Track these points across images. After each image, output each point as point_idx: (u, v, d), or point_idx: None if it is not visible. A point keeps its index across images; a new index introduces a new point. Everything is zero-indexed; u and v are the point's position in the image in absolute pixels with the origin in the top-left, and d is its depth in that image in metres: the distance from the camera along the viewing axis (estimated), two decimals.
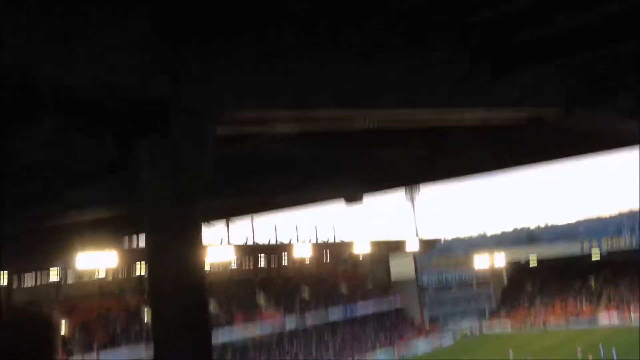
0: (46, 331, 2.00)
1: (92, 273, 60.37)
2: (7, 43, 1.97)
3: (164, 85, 2.45)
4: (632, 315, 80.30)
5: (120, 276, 66.58)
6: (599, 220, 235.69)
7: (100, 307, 61.94)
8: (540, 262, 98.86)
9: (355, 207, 8.56)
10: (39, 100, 2.52)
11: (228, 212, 11.24)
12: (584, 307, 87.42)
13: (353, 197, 8.29)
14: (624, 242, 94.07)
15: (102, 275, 63.93)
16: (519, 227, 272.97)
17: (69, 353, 53.23)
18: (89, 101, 2.52)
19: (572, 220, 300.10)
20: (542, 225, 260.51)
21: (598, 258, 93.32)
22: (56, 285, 60.66)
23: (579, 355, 59.81)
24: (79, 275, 60.07)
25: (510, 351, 60.57)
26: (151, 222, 2.59)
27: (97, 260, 50.78)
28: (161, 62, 2.46)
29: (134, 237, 10.98)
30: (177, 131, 2.49)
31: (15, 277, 54.74)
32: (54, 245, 9.54)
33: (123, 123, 2.63)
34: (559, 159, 8.38)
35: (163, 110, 2.49)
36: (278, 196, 8.17)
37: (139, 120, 2.59)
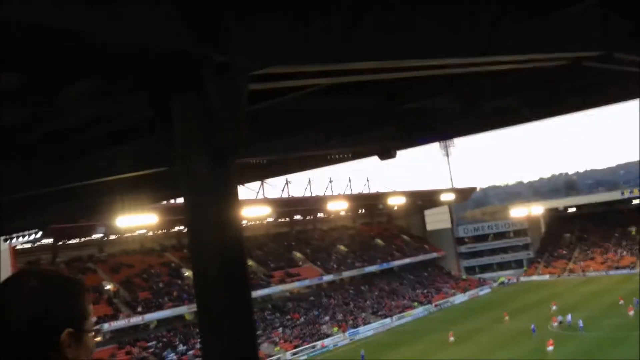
0: (72, 293, 1.90)
1: (133, 230, 61.98)
2: (35, 1, 1.97)
3: (197, 41, 2.44)
4: None
5: (160, 233, 68.35)
6: None
7: (143, 264, 63.91)
8: (578, 209, 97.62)
9: (389, 162, 8.51)
10: (72, 61, 2.54)
11: (263, 173, 11.30)
12: (624, 255, 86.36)
13: (387, 152, 8.23)
14: None
15: (143, 232, 65.73)
16: (557, 173, 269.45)
17: (116, 310, 55.34)
18: (122, 59, 2.53)
19: (612, 164, 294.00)
20: (581, 170, 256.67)
21: (638, 203, 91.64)
22: (99, 242, 62.70)
23: (621, 302, 59.53)
24: (122, 232, 61.75)
25: (553, 304, 60.39)
26: (187, 180, 2.62)
27: (137, 218, 52.01)
28: (194, 17, 2.45)
29: (173, 194, 11.15)
30: (211, 87, 2.49)
31: (58, 235, 56.51)
32: (95, 203, 9.77)
33: (157, 81, 2.64)
34: (599, 105, 8.15)
35: (197, 66, 2.48)
36: (311, 152, 8.16)
37: (173, 77, 2.60)
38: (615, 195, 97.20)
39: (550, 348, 44.68)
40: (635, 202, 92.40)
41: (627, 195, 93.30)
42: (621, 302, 58.89)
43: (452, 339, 53.88)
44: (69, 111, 4.30)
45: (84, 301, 1.91)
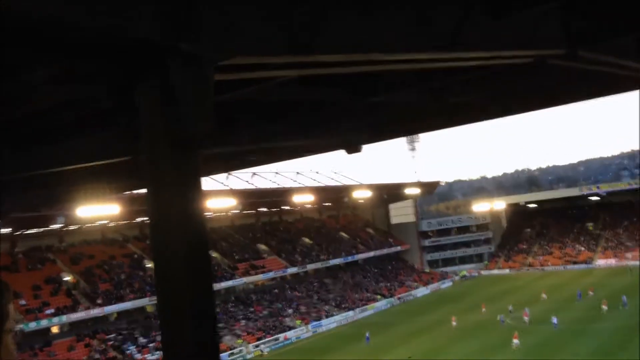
0: None
1: (94, 220, 60.91)
2: None
3: (162, 30, 2.39)
4: (630, 256, 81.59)
5: (122, 223, 67.33)
6: (600, 160, 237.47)
7: (103, 255, 62.89)
8: (539, 204, 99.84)
9: (355, 156, 8.53)
10: (35, 47, 2.47)
11: (228, 165, 11.21)
12: (582, 250, 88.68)
13: (353, 146, 8.25)
14: (624, 184, 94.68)
15: (104, 222, 64.62)
16: (520, 168, 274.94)
17: (75, 302, 54.37)
18: (84, 46, 2.47)
19: (574, 160, 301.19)
20: (543, 166, 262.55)
21: (597, 199, 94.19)
22: (59, 232, 61.41)
23: (590, 294, 61.25)
24: (82, 222, 60.62)
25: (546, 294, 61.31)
26: (151, 170, 2.58)
27: (99, 208, 51.15)
28: (160, 5, 2.39)
29: (136, 184, 10.97)
30: (177, 77, 2.44)
31: (17, 224, 55.18)
32: (56, 192, 9.57)
33: (121, 69, 2.59)
34: (563, 103, 8.31)
35: (162, 55, 2.43)
36: (277, 144, 8.13)
37: (137, 66, 2.54)
38: (574, 192, 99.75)
39: (516, 341, 45.53)
40: (593, 198, 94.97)
41: (585, 191, 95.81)
42: (591, 293, 60.92)
43: (454, 323, 55.37)
44: (29, 98, 4.19)
45: (4, 302, 1.87)
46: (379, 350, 50.10)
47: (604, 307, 53.55)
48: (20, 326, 49.94)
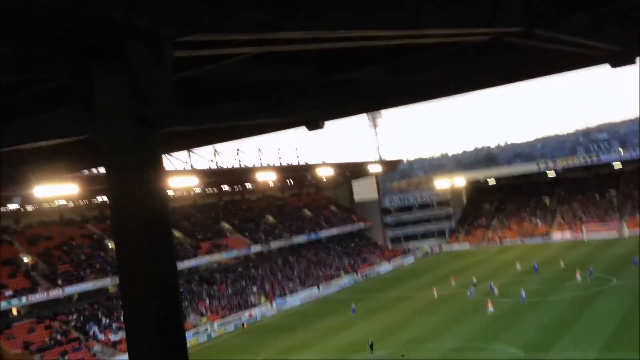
0: None
1: (52, 200, 59.63)
2: None
3: (120, 8, 2.33)
4: (584, 230, 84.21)
5: (81, 203, 66.09)
6: (556, 138, 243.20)
7: (62, 236, 61.71)
8: (498, 181, 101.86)
9: (317, 132, 8.53)
10: None
11: (189, 142, 11.07)
12: (539, 225, 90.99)
13: (315, 123, 8.24)
14: (579, 160, 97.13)
15: (63, 202, 63.31)
16: (479, 146, 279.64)
17: (34, 283, 53.35)
18: (40, 23, 2.39)
19: (531, 138, 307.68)
20: (502, 144, 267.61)
21: (554, 176, 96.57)
22: (15, 213, 59.95)
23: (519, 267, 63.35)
24: (39, 202, 59.28)
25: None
26: (110, 149, 2.54)
27: (56, 188, 50.05)
28: None
29: (93, 163, 10.77)
30: (135, 55, 2.39)
31: None
32: (10, 172, 9.31)
33: (79, 48, 2.52)
34: (520, 80, 8.45)
35: (120, 33, 2.37)
36: (239, 122, 8.07)
37: (95, 43, 2.48)
38: (531, 168, 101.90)
39: (490, 308, 47.90)
40: (549, 174, 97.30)
41: (542, 167, 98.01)
42: (562, 265, 63.15)
43: (453, 283, 58.26)
44: None
45: None
46: (360, 321, 50.83)
47: (578, 277, 55.52)
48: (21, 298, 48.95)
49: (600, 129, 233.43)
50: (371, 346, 40.35)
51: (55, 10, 2.17)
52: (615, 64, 6.80)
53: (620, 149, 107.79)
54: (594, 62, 7.33)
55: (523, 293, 50.55)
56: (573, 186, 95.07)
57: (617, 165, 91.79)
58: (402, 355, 38.75)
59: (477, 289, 56.67)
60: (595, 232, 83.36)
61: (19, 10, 2.12)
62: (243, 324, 58.53)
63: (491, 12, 4.71)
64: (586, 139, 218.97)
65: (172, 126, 6.66)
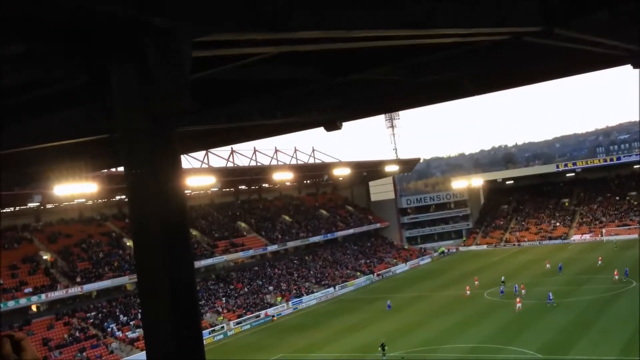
0: None
1: (72, 199, 60.28)
2: None
3: (136, 5, 2.35)
4: (603, 232, 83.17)
5: (100, 202, 66.71)
6: (575, 137, 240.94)
7: (82, 233, 62.35)
8: (516, 181, 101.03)
9: (334, 133, 8.52)
10: (5, 26, 2.41)
11: (206, 142, 11.13)
12: (558, 225, 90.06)
13: (333, 123, 8.23)
14: (599, 160, 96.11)
15: (82, 200, 63.96)
16: (497, 145, 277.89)
17: (53, 280, 53.97)
18: (56, 21, 2.42)
19: (549, 137, 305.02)
20: (520, 143, 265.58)
21: (572, 175, 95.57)
22: (36, 211, 60.71)
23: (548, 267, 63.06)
24: (59, 201, 59.95)
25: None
26: (127, 148, 2.56)
27: (76, 186, 50.58)
28: None
29: (113, 162, 10.90)
30: (152, 54, 2.41)
31: None
32: (30, 171, 9.45)
33: (95, 45, 2.54)
34: (539, 81, 8.37)
35: (136, 31, 2.40)
36: (255, 122, 8.09)
37: (111, 43, 2.50)
38: (550, 168, 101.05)
39: (519, 305, 48.45)
40: (568, 174, 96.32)
41: (561, 168, 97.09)
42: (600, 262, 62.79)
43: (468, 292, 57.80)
44: (0, 75, 4.10)
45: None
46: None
47: (616, 277, 55.01)
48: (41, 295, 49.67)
49: (621, 128, 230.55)
50: (383, 347, 40.10)
51: (71, 8, 2.19)
52: (637, 64, 6.71)
53: None
54: (615, 63, 7.24)
55: (550, 294, 49.88)
56: (592, 187, 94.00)
57: (638, 165, 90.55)
58: (402, 358, 38.66)
59: (501, 288, 56.48)
60: (614, 234, 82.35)
61: (31, 6, 2.15)
62: (273, 317, 59.97)
63: (508, 11, 4.67)
64: (606, 138, 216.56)
65: (189, 125, 6.70)
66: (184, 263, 2.52)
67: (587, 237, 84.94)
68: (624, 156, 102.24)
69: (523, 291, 53.73)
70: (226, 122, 7.27)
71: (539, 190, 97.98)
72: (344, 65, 5.79)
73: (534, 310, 48.09)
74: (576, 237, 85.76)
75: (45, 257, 56.90)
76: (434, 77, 7.11)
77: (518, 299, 49.35)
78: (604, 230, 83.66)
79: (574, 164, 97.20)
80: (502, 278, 59.09)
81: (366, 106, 8.79)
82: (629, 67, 7.10)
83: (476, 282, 61.69)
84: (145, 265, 2.58)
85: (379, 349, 40.29)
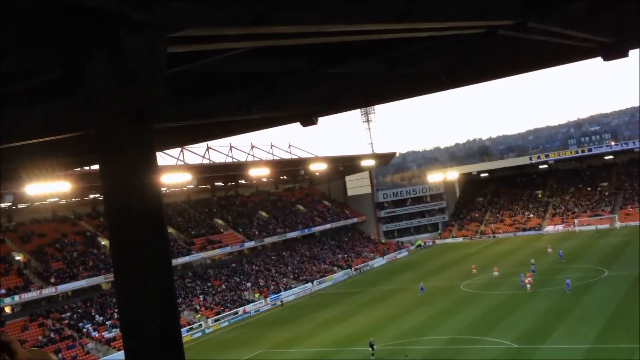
0: None
1: (44, 198, 59.33)
2: None
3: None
4: (575, 222, 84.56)
5: (74, 200, 65.76)
6: (548, 130, 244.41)
7: (55, 233, 61.42)
8: (490, 173, 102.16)
9: (310, 128, 8.50)
10: None
11: (182, 139, 11.02)
12: (531, 217, 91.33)
13: (309, 118, 8.21)
14: (570, 152, 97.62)
15: (55, 200, 62.97)
16: (471, 138, 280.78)
17: (27, 281, 53.12)
18: (31, 13, 2.36)
19: (523, 130, 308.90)
20: (494, 136, 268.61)
21: (545, 167, 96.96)
22: (7, 210, 59.61)
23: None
24: (32, 200, 58.97)
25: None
26: (104, 144, 2.51)
27: (49, 185, 49.77)
28: None
29: (87, 161, 10.74)
30: (128, 47, 2.37)
31: None
32: (4, 170, 9.27)
33: (70, 38, 2.49)
34: (514, 73, 8.45)
35: (113, 25, 2.35)
36: (232, 117, 8.04)
37: (87, 36, 2.45)
38: (524, 160, 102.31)
39: (528, 285, 51.71)
40: (542, 166, 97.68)
41: (534, 160, 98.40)
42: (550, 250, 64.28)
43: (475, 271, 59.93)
44: None
45: None
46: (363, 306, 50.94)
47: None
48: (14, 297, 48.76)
49: (592, 120, 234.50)
50: (372, 345, 39.78)
51: (44, 2, 2.14)
52: (607, 57, 6.80)
53: (612, 141, 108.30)
54: (586, 55, 7.33)
55: (569, 282, 49.86)
56: (565, 178, 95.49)
57: (609, 156, 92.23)
58: (406, 355, 38.58)
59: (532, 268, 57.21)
60: (587, 224, 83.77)
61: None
62: (282, 302, 63.37)
63: (484, 3, 4.70)
64: (578, 130, 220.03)
65: (166, 120, 6.63)
66: (161, 260, 2.49)
67: (559, 227, 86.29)
68: (595, 147, 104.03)
69: (529, 280, 54.08)
70: (203, 117, 7.21)
71: (513, 182, 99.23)
72: (322, 58, 5.78)
73: (511, 300, 48.77)
74: (549, 228, 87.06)
75: (18, 258, 55.96)
76: (410, 69, 7.14)
77: (529, 274, 53.50)
78: (576, 221, 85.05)
79: (547, 155, 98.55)
80: (532, 260, 60.00)
81: (343, 100, 8.79)
82: (599, 59, 7.20)
83: (474, 270, 62.52)
84: (122, 263, 2.54)
85: (369, 347, 39.68)
